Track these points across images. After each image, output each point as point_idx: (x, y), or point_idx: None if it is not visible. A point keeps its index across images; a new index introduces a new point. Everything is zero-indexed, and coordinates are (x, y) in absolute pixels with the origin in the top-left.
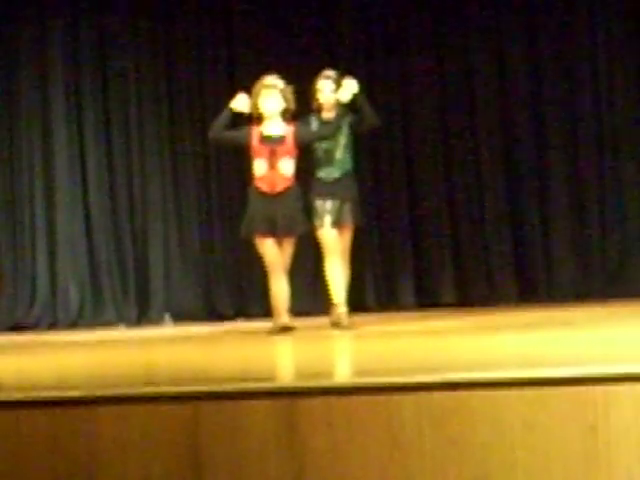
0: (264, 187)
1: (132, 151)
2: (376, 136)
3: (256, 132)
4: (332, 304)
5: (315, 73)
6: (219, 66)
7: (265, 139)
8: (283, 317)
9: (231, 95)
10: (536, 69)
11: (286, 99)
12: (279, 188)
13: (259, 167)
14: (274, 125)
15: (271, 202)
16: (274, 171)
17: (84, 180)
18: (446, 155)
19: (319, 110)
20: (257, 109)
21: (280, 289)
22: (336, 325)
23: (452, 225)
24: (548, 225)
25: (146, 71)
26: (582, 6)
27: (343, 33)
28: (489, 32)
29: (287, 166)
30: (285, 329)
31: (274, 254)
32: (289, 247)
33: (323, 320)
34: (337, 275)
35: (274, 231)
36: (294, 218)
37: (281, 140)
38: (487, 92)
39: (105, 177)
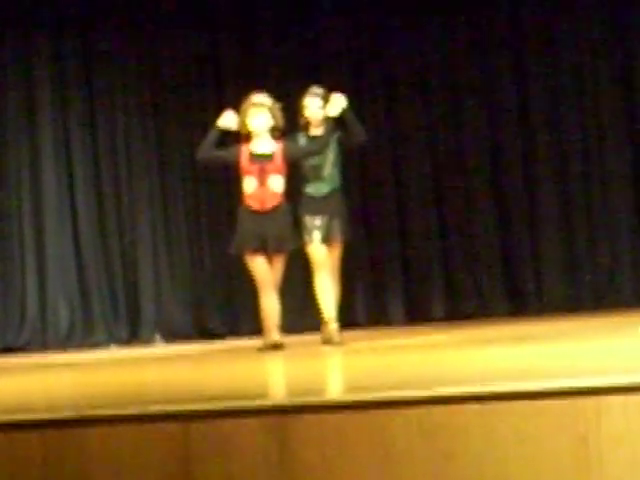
0: (254, 205)
1: (120, 170)
2: (364, 152)
3: (245, 150)
4: (323, 321)
5: (301, 90)
6: (206, 84)
7: (254, 157)
8: (273, 334)
9: (218, 113)
10: (523, 83)
11: (274, 117)
12: (269, 205)
13: (249, 185)
14: (263, 143)
15: (261, 219)
16: (264, 188)
17: (72, 200)
18: (435, 171)
19: (307, 127)
20: (246, 127)
21: (270, 306)
22: (327, 342)
23: (441, 240)
24: (537, 238)
25: (133, 93)
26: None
27: (329, 50)
28: (476, 47)
29: (277, 183)
30: (275, 347)
31: (264, 271)
32: (280, 264)
33: (314, 337)
34: (327, 291)
35: (265, 248)
36: (284, 235)
37: (270, 158)
38: (475, 107)
39: (93, 196)
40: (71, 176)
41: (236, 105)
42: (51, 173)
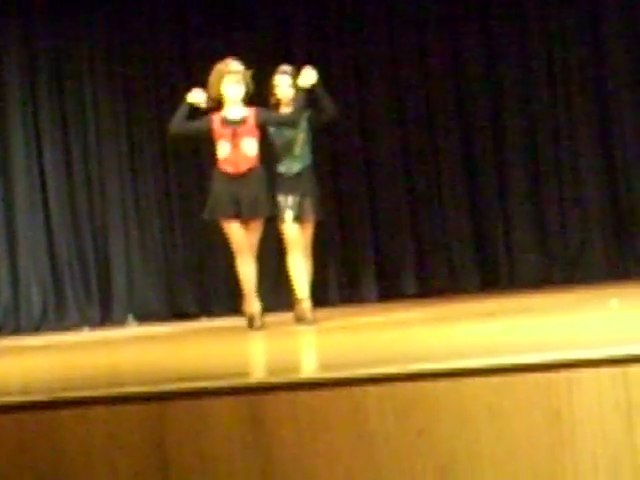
0: (228, 168)
1: (90, 153)
2: (334, 130)
3: (217, 117)
4: (296, 299)
5: (269, 68)
6: (174, 62)
7: (226, 122)
8: (253, 303)
9: (187, 91)
10: (493, 64)
11: (247, 84)
12: (243, 168)
13: (222, 149)
14: (235, 109)
15: (235, 183)
16: (237, 151)
17: (43, 183)
18: (405, 147)
19: (277, 106)
20: (219, 94)
21: (247, 271)
22: (300, 320)
23: (412, 217)
24: (508, 214)
25: (102, 70)
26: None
27: (298, 26)
28: (446, 25)
29: (250, 146)
30: (252, 320)
31: (240, 236)
32: (256, 230)
33: (286, 316)
34: (300, 270)
35: (239, 213)
36: (259, 199)
37: (242, 121)
38: (445, 86)
39: (64, 179)
40: (41, 159)
41: (204, 83)
42: (21, 157)
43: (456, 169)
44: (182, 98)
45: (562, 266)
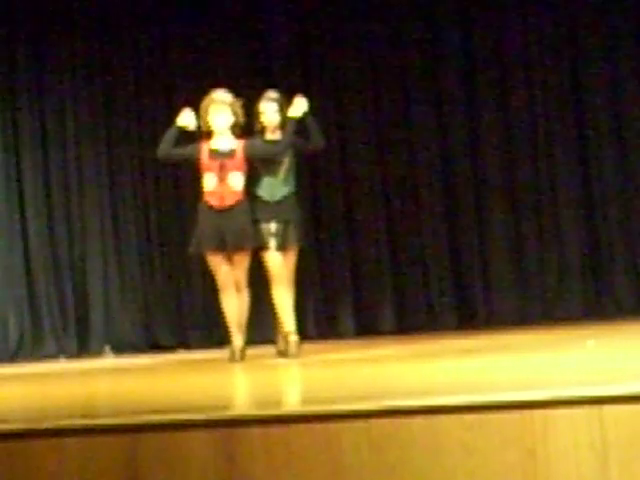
0: (213, 202)
1: (70, 181)
2: (314, 160)
3: (205, 147)
4: (281, 333)
5: (250, 91)
6: (156, 87)
7: (215, 154)
8: (235, 338)
9: (168, 117)
10: (473, 91)
11: (235, 113)
12: (228, 202)
13: (208, 181)
14: (224, 140)
15: (221, 217)
16: (224, 185)
17: (22, 211)
18: (384, 184)
19: (262, 132)
20: (207, 125)
21: (231, 307)
22: (284, 354)
23: (391, 253)
24: (487, 252)
25: (83, 96)
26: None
27: (279, 54)
28: (426, 48)
29: (236, 180)
30: (233, 358)
31: (225, 271)
32: (242, 262)
33: (266, 349)
34: (286, 303)
35: (224, 246)
36: (244, 232)
37: (231, 154)
38: (424, 117)
39: (43, 208)
40: (20, 187)
41: (186, 103)
42: (0, 184)
43: (435, 206)
44: (163, 125)
45: (540, 305)
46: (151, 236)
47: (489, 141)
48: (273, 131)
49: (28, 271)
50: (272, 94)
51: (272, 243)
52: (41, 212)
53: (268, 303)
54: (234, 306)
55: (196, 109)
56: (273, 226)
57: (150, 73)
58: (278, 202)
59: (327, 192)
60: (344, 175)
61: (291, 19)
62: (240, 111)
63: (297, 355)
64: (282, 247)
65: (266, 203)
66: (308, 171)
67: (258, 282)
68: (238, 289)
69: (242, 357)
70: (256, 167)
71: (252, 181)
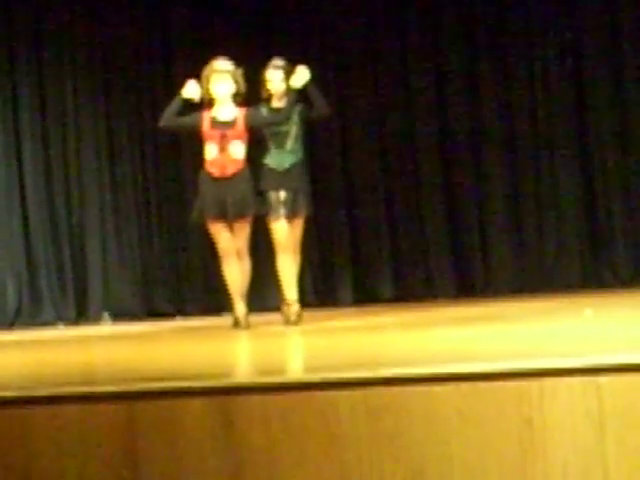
0: (215, 171)
1: (69, 151)
2: (312, 129)
3: (207, 116)
4: (284, 301)
5: (254, 64)
6: (155, 59)
7: (216, 123)
8: (238, 307)
9: (167, 89)
10: (472, 65)
11: (237, 82)
12: (230, 172)
13: (210, 151)
14: (225, 109)
15: (222, 186)
16: (225, 154)
17: (21, 179)
18: (384, 152)
19: (269, 100)
20: (208, 94)
21: (233, 274)
22: (288, 322)
23: (390, 221)
24: (485, 221)
25: (82, 65)
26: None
27: (281, 23)
28: (428, 23)
29: (238, 149)
30: (237, 324)
31: (226, 239)
32: (243, 230)
33: (262, 316)
34: (290, 272)
35: (225, 215)
36: (245, 200)
37: (232, 124)
38: (423, 82)
39: (42, 176)
40: (19, 155)
41: (186, 77)
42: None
43: (434, 176)
44: (162, 97)
45: (538, 274)
46: (150, 203)
47: (488, 103)
48: (280, 99)
49: (26, 238)
50: (278, 62)
51: (281, 211)
52: (39, 181)
53: (272, 271)
54: (236, 274)
55: (197, 79)
56: (282, 194)
57: (149, 43)
58: (287, 170)
59: (326, 161)
60: (343, 144)
61: None
62: (241, 80)
63: (297, 323)
64: (291, 215)
65: (274, 172)
66: (307, 140)
67: (259, 250)
68: (240, 257)
69: (247, 324)
70: (264, 138)
71: (260, 151)
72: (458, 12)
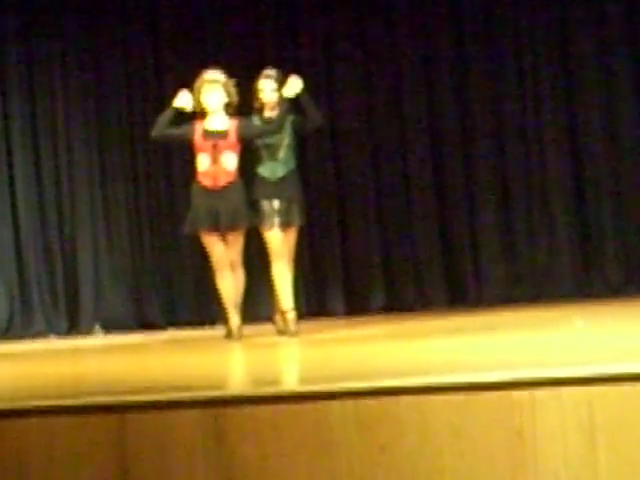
0: (207, 182)
1: (60, 161)
2: (303, 140)
3: (199, 127)
4: (279, 310)
5: (243, 74)
6: (146, 69)
7: (208, 134)
8: (232, 318)
9: (159, 100)
10: (463, 68)
11: (228, 93)
12: (222, 183)
13: (202, 162)
14: (217, 120)
15: (214, 197)
16: (217, 166)
17: (12, 188)
18: (375, 162)
19: (261, 110)
20: (200, 105)
21: (227, 286)
22: (283, 332)
23: (381, 231)
24: (476, 230)
25: (73, 77)
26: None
27: (270, 32)
28: (415, 31)
29: (230, 160)
30: (229, 336)
31: (220, 251)
32: (236, 241)
33: (255, 327)
34: (285, 281)
35: (218, 226)
36: (238, 212)
37: (224, 134)
38: (416, 95)
39: (33, 187)
40: (10, 165)
41: (177, 86)
42: None
43: (426, 185)
44: (154, 107)
45: (529, 284)
46: (141, 215)
47: (479, 118)
48: (272, 109)
49: (18, 250)
50: (270, 72)
51: (275, 220)
52: (31, 191)
53: (266, 281)
54: (230, 286)
55: (188, 90)
56: (276, 203)
57: (140, 53)
58: (280, 180)
59: (317, 170)
60: (334, 153)
61: None
62: (233, 90)
63: (296, 332)
64: (285, 225)
65: (268, 181)
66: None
67: (253, 261)
68: (233, 268)
69: (240, 335)
70: (257, 150)
71: (254, 161)
72: (448, 12)
